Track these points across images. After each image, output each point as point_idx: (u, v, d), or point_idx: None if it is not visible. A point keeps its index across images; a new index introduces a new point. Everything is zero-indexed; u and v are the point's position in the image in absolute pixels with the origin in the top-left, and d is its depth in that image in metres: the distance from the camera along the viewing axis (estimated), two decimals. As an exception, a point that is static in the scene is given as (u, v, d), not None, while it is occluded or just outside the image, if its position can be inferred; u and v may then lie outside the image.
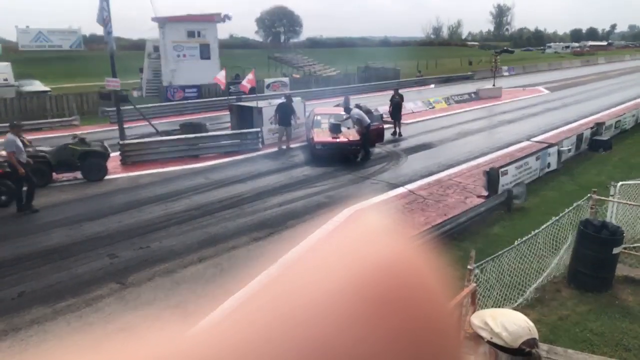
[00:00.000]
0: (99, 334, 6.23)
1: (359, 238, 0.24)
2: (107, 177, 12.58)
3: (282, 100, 17.06)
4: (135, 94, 28.35)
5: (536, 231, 6.76)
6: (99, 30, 16.97)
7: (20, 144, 10.17)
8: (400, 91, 18.54)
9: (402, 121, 18.03)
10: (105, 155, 12.67)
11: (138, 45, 45.68)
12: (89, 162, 12.25)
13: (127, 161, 13.80)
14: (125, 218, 10.00)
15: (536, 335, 1.97)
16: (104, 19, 15.05)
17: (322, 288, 0.22)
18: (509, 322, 1.97)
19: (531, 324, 2.00)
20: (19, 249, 8.51)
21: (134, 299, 7.00)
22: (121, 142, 14.26)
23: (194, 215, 10.05)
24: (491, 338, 1.96)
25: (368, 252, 0.23)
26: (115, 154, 13.61)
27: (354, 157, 13.93)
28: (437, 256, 0.23)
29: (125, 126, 15.78)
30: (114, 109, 17.09)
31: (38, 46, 45.52)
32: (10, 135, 10.07)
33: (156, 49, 30.25)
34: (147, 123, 16.47)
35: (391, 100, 17.87)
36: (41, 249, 8.58)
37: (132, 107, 17.26)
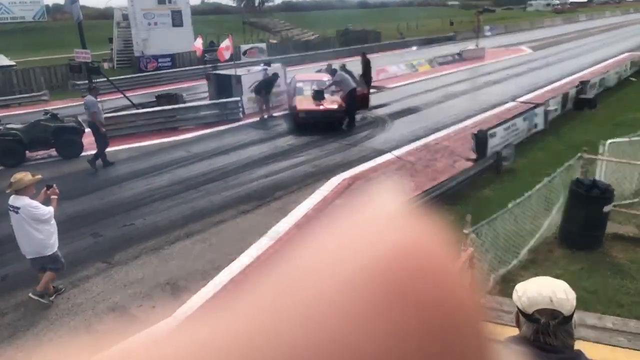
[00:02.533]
0: (88, 315, 6.05)
1: (375, 219, 0.22)
2: (83, 153, 12.13)
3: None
4: (106, 65, 27.30)
5: (529, 193, 6.69)
6: (62, 0, 16.06)
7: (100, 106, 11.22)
8: (381, 54, 18.18)
9: (386, 85, 17.73)
10: (80, 131, 12.20)
11: (105, 14, 43.93)
12: (63, 138, 11.80)
13: (104, 136, 13.30)
14: (106, 195, 9.69)
15: (562, 309, 1.89)
16: (70, -14, 14.24)
17: (333, 277, 0.20)
18: (532, 289, 1.94)
19: (562, 296, 1.91)
20: (-4, 232, 8.17)
21: (121, 277, 6.81)
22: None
23: (178, 189, 9.77)
24: (515, 301, 2.00)
25: (387, 236, 0.21)
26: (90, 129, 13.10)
27: (339, 124, 13.64)
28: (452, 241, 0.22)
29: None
30: (86, 82, 16.39)
31: (-1, 18, 43.24)
32: (90, 97, 10.95)
33: (125, 17, 28.98)
34: (122, 95, 15.86)
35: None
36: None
37: (104, 79, 16.56)
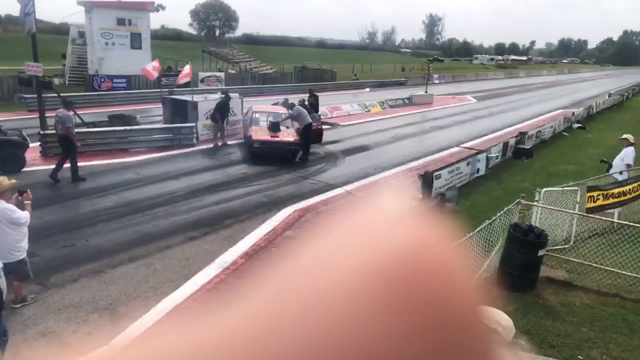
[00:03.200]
0: (17, 340, 5.70)
1: (378, 219, 0.22)
2: (25, 169, 11.61)
3: (219, 96, 16.68)
4: (57, 81, 26.47)
5: (471, 234, 7.04)
6: (15, 11, 15.59)
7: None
8: (336, 92, 18.78)
9: (339, 123, 18.23)
10: (23, 145, 11.72)
11: (60, 30, 42.82)
12: (5, 152, 11.26)
13: (49, 152, 12.77)
14: (46, 214, 9.24)
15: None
16: (25, -3, 13.87)
17: (336, 274, 0.20)
18: (501, 318, 2.09)
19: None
20: None
21: (56, 301, 6.48)
22: (42, 132, 13.21)
23: (124, 212, 9.50)
24: None
25: (391, 235, 0.21)
26: (34, 145, 12.59)
27: (293, 156, 13.84)
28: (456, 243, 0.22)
29: (46, 115, 14.64)
30: (34, 96, 15.80)
31: (-55, 24, 41.21)
32: (65, 111, 11.03)
33: (82, 34, 28.46)
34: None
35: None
36: (-53, 246, 7.72)
37: (55, 95, 16.04)
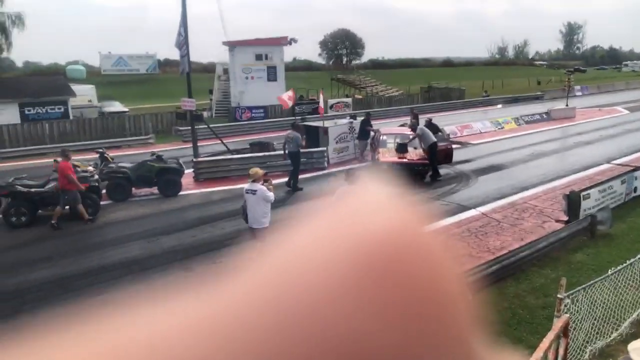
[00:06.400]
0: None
1: (362, 205, 0.22)
2: (181, 192, 13.07)
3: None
4: (205, 114, 29.64)
5: (631, 260, 6.30)
6: (172, 55, 17.88)
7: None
8: (465, 111, 18.18)
9: (470, 142, 17.63)
10: (180, 172, 13.19)
11: (207, 68, 47.92)
12: (165, 178, 12.75)
13: (200, 178, 14.33)
14: (198, 233, 10.33)
15: None
16: (180, 43, 15.89)
17: (319, 259, 0.20)
18: None
19: None
20: (103, 260, 9.01)
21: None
22: (195, 160, 14.84)
23: (264, 231, 10.21)
24: None
25: (373, 220, 0.21)
26: (188, 171, 14.16)
27: (421, 177, 13.69)
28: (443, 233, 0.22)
29: (198, 144, 16.41)
30: (187, 128, 17.83)
31: (118, 70, 48.87)
32: (294, 132, 13.63)
33: (225, 71, 31.59)
34: (218, 142, 17.07)
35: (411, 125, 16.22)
36: (123, 259, 9.03)
37: (205, 126, 17.99)
